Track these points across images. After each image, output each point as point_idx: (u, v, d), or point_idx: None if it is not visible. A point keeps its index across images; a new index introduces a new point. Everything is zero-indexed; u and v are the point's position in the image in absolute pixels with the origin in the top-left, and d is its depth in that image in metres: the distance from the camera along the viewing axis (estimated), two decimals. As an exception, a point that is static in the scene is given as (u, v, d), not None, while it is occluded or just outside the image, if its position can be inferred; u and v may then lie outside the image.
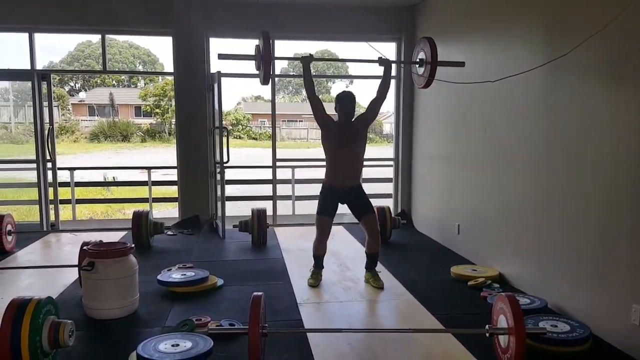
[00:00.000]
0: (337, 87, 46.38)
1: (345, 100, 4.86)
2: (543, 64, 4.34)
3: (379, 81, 4.83)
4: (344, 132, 4.85)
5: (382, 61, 4.86)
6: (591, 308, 3.90)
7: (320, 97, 4.99)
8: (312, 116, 4.89)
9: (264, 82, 4.65)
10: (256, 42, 4.61)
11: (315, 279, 5.04)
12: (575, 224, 4.07)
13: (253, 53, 4.69)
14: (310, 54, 4.84)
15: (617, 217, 3.63)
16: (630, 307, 3.49)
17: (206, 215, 7.84)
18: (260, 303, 3.22)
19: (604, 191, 3.75)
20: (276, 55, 7.89)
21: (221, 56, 5.36)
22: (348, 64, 41.33)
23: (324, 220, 4.98)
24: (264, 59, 4.47)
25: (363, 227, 5.01)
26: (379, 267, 5.18)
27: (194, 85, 7.60)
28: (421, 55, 4.72)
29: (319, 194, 5.01)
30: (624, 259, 3.57)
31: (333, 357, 3.51)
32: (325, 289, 4.94)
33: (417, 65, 4.83)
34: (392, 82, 8.10)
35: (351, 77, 46.17)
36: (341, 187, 4.88)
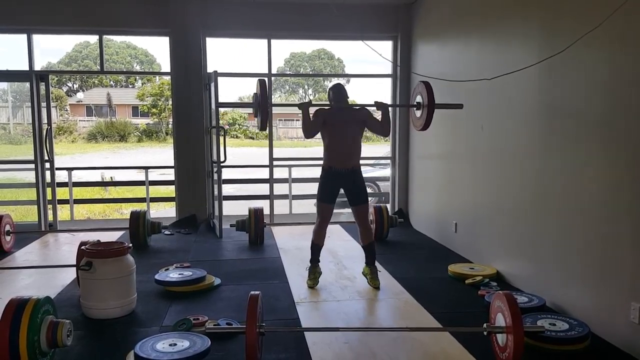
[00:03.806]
0: (335, 86, 46.30)
1: (337, 90, 4.94)
2: (539, 61, 4.34)
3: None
4: (342, 116, 4.88)
5: (379, 105, 4.89)
6: (590, 306, 3.90)
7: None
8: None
9: (262, 128, 4.68)
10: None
11: (313, 280, 5.00)
12: (574, 222, 4.08)
13: (250, 100, 4.78)
14: (309, 100, 4.88)
15: (616, 215, 3.63)
16: (629, 305, 3.49)
17: (203, 214, 7.84)
18: (257, 302, 3.23)
19: (603, 188, 3.76)
20: (273, 54, 7.86)
21: (220, 105, 5.35)
22: (344, 62, 41.54)
23: (325, 207, 4.97)
24: (261, 107, 4.52)
25: (354, 214, 5.02)
26: (378, 267, 5.17)
27: (191, 85, 7.60)
28: (418, 98, 4.73)
29: (319, 178, 4.99)
30: (623, 256, 3.57)
31: (330, 356, 3.51)
32: (323, 288, 4.94)
33: (414, 109, 4.84)
34: (388, 80, 8.17)
35: (348, 76, 46.25)
36: (341, 167, 4.87)
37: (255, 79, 4.76)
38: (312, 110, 4.90)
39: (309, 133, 4.87)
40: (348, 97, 4.98)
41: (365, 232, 5.04)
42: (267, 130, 5.19)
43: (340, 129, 4.85)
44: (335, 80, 47.45)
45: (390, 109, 4.91)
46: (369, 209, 5.20)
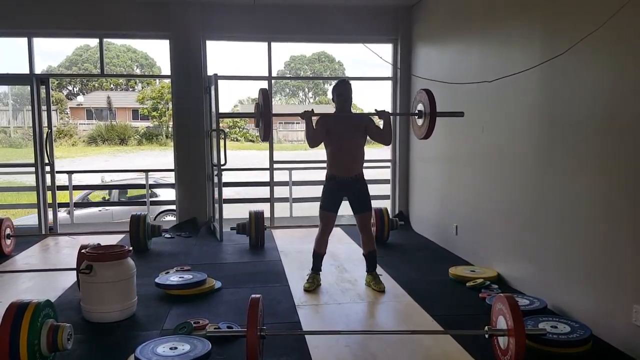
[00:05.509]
0: (335, 89, 46.24)
1: (342, 87, 4.93)
2: (540, 62, 4.34)
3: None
4: (345, 123, 4.87)
5: (381, 114, 4.86)
6: (592, 308, 3.89)
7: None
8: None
9: (264, 138, 4.63)
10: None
11: (311, 283, 5.00)
12: (575, 224, 4.07)
13: (253, 110, 4.71)
14: (312, 109, 4.84)
15: (617, 216, 3.63)
16: (631, 308, 3.48)
17: (204, 217, 7.83)
18: (258, 305, 3.22)
19: (604, 190, 3.75)
20: (273, 57, 7.85)
21: (222, 115, 5.27)
22: (345, 66, 41.52)
23: (327, 215, 4.97)
24: (264, 116, 4.46)
25: (357, 222, 5.02)
26: (379, 270, 5.16)
27: (191, 88, 7.59)
28: (420, 107, 4.68)
29: (322, 187, 5.00)
30: (625, 258, 3.56)
31: (331, 359, 3.50)
32: (323, 291, 4.93)
33: (416, 117, 4.79)
34: (388, 83, 8.16)
35: (348, 79, 46.25)
36: (344, 176, 4.86)
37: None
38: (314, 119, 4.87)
39: (313, 142, 4.83)
40: (352, 97, 4.98)
41: (367, 241, 5.05)
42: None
43: (343, 136, 4.84)
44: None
45: (391, 116, 4.85)
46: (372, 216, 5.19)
